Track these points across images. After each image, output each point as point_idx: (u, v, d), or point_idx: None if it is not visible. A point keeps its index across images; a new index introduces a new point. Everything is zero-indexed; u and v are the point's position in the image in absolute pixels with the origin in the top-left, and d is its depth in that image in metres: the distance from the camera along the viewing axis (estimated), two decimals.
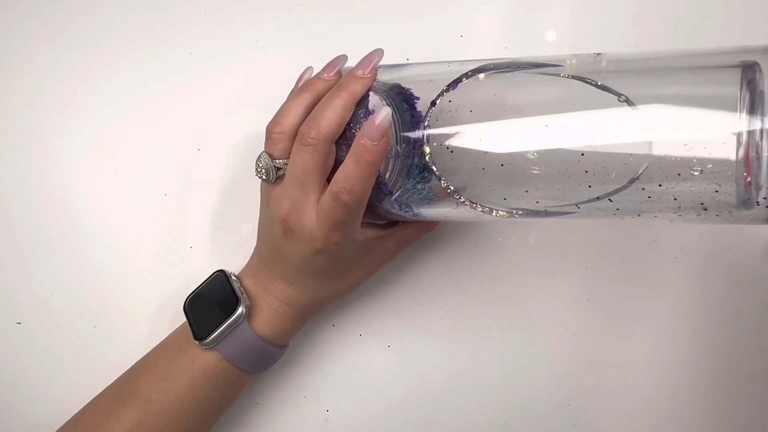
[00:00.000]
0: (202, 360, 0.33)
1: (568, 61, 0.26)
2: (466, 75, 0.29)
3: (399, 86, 0.31)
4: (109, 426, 0.33)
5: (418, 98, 0.30)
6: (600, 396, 0.41)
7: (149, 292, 0.40)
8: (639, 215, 0.24)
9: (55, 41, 0.42)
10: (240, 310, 0.33)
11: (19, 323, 0.40)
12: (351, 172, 0.28)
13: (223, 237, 0.41)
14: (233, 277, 0.35)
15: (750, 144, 0.20)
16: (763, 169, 0.20)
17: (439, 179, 0.29)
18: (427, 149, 0.29)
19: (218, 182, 0.42)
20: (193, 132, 0.42)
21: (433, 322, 0.41)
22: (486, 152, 0.27)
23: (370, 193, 0.29)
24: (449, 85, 0.29)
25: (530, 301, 0.41)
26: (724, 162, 0.21)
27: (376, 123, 0.27)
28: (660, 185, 0.23)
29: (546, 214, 0.27)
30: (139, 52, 0.42)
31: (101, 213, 0.41)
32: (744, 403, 0.41)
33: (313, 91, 0.31)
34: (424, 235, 0.37)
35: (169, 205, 0.41)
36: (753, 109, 0.20)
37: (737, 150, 0.20)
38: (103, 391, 0.35)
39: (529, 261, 0.41)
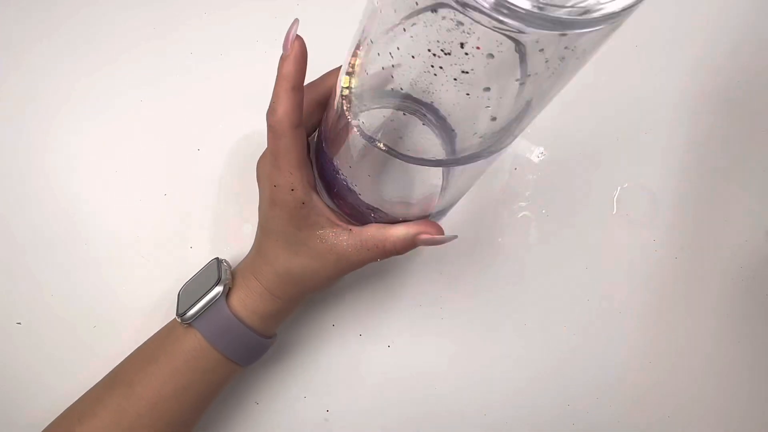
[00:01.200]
0: (184, 341, 0.34)
1: None
2: None
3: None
4: (93, 412, 0.33)
5: None
6: (600, 396, 0.41)
7: (149, 292, 0.40)
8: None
9: (55, 41, 0.42)
10: (218, 287, 0.34)
11: (19, 323, 0.40)
12: (273, 91, 0.29)
13: (223, 237, 0.41)
14: (224, 263, 0.36)
15: None
16: None
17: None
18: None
19: (218, 182, 0.42)
20: (193, 132, 0.42)
21: (433, 322, 0.41)
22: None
23: (294, 118, 0.29)
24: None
25: (530, 301, 0.41)
26: None
27: (289, 35, 0.28)
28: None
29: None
30: (139, 52, 0.42)
31: (101, 213, 0.41)
32: (744, 402, 0.41)
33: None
34: (388, 258, 0.33)
35: (169, 205, 0.41)
36: None
37: None
38: (97, 382, 0.36)
39: (529, 261, 0.41)
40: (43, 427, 0.35)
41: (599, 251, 0.41)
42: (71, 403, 0.35)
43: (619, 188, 0.42)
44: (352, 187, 0.31)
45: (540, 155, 0.42)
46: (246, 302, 0.34)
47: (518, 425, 0.40)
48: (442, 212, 0.35)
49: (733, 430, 0.41)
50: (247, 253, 0.37)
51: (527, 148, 0.42)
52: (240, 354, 0.34)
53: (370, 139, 0.27)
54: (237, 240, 0.41)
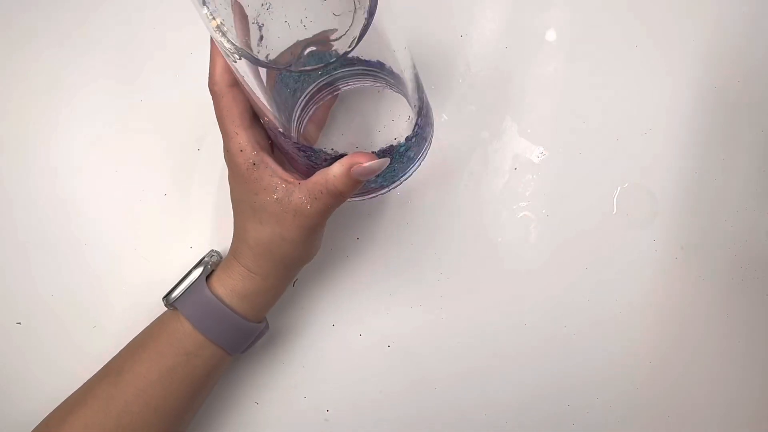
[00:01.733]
0: (169, 324, 0.34)
1: None
2: None
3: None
4: (84, 401, 0.33)
5: None
6: (600, 396, 0.41)
7: (149, 292, 0.40)
8: None
9: (56, 41, 0.42)
10: (199, 268, 0.36)
11: (19, 323, 0.40)
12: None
13: (223, 238, 0.41)
14: (214, 251, 0.39)
15: None
16: None
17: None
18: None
19: (218, 182, 0.42)
20: (193, 132, 0.42)
21: (434, 322, 0.41)
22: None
23: (227, 77, 0.30)
24: None
25: (530, 301, 0.41)
26: None
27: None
28: None
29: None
30: (138, 51, 0.42)
31: (101, 213, 0.41)
32: (743, 403, 0.41)
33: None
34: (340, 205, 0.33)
35: (169, 205, 0.41)
36: None
37: None
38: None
39: (529, 261, 0.41)
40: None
41: (599, 251, 0.41)
42: None
43: (619, 188, 0.42)
44: (280, 131, 0.31)
45: (540, 155, 0.42)
46: (225, 281, 0.34)
47: (518, 425, 0.40)
48: (409, 159, 0.34)
49: (733, 431, 0.41)
50: None
51: (527, 148, 0.42)
52: (222, 336, 0.34)
53: (236, 48, 0.26)
54: None
